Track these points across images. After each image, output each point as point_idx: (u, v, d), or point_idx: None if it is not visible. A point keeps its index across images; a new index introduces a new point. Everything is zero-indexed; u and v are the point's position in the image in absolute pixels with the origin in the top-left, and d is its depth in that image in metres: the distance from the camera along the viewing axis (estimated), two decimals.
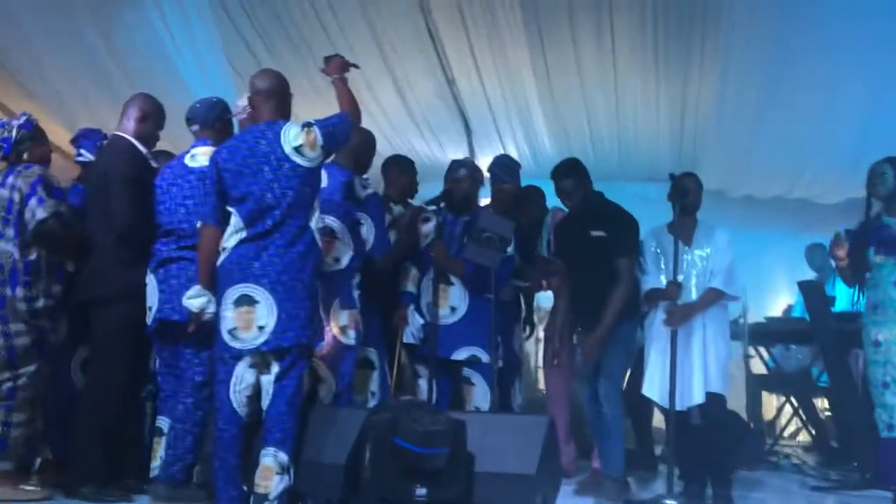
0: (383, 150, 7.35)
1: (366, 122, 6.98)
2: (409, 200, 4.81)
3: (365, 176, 4.20)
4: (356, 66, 3.70)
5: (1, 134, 3.82)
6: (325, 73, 3.66)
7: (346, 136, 3.51)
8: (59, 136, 7.19)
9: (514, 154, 7.43)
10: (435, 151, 7.62)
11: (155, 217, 3.78)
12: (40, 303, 3.70)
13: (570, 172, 4.37)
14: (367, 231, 3.98)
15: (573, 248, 4.37)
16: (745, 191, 7.15)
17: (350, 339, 3.85)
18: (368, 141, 4.26)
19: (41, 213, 3.65)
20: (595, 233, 4.22)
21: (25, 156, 3.84)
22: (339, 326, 3.82)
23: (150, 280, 3.70)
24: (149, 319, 3.68)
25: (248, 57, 6.27)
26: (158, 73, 6.12)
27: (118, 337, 3.70)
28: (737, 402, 6.08)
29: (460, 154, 7.52)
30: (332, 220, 3.86)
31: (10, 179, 3.75)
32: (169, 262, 3.68)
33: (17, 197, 3.70)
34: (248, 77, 6.08)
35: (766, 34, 5.30)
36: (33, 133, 3.90)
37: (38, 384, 3.70)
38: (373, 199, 4.06)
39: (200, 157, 3.73)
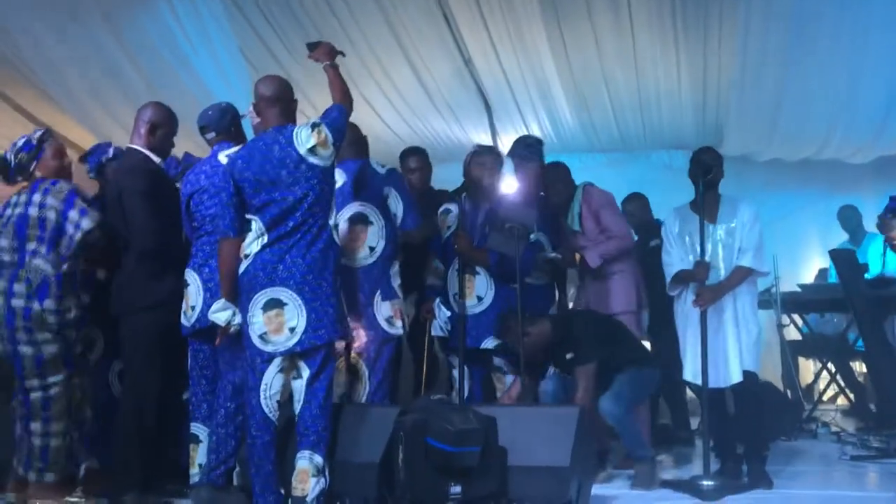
0: (403, 134, 7.40)
1: (384, 106, 7.09)
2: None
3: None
4: (342, 54, 3.73)
5: (9, 155, 3.88)
6: (314, 60, 3.67)
7: (346, 128, 3.56)
8: (85, 139, 7.28)
9: (535, 130, 7.39)
10: (456, 132, 7.57)
11: (179, 223, 3.80)
12: (71, 314, 3.75)
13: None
14: (395, 203, 3.97)
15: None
16: (772, 154, 7.02)
17: (398, 328, 3.90)
18: (354, 128, 4.18)
19: (87, 224, 3.70)
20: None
21: (38, 173, 3.89)
22: (384, 318, 3.86)
23: (194, 279, 3.69)
24: (191, 319, 3.68)
25: (262, 51, 6.24)
26: (175, 72, 6.11)
27: (147, 347, 3.72)
28: (772, 372, 6.05)
29: (482, 133, 7.51)
30: (362, 207, 3.89)
31: (38, 197, 3.77)
32: (213, 260, 3.65)
33: (51, 215, 3.73)
34: (263, 71, 6.18)
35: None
36: (35, 152, 3.90)
37: (70, 394, 3.76)
38: (392, 172, 4.08)
39: None
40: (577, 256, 4.74)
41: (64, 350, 3.74)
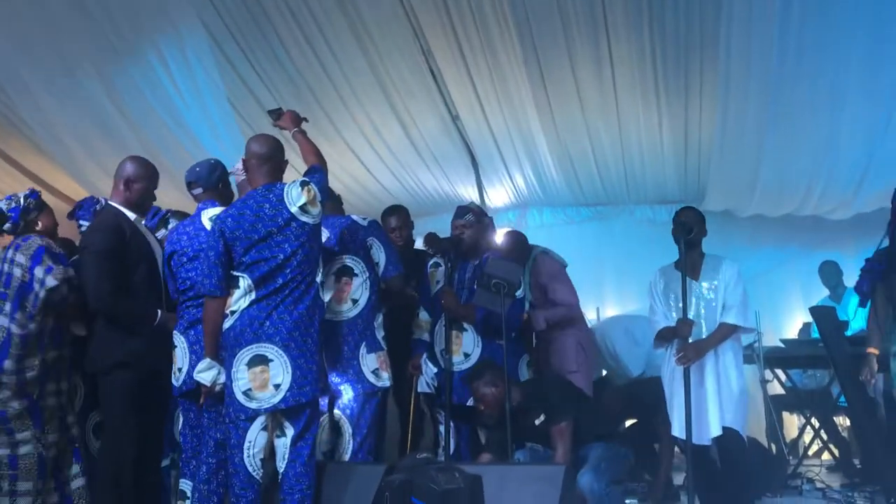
0: (392, 187, 7.48)
1: (372, 160, 7.18)
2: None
3: None
4: (306, 120, 3.89)
5: (9, 205, 3.88)
6: (280, 128, 3.77)
7: (327, 186, 3.69)
8: (72, 189, 7.31)
9: (521, 184, 7.51)
10: (443, 185, 7.67)
11: (151, 282, 3.74)
12: (33, 373, 3.68)
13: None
14: (377, 252, 4.00)
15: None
16: (754, 210, 7.13)
17: (384, 380, 3.88)
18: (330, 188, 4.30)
19: (51, 281, 3.66)
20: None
21: (38, 226, 3.92)
22: (370, 371, 3.85)
23: (180, 341, 3.67)
24: (178, 381, 3.66)
25: (251, 103, 6.34)
26: (165, 124, 6.19)
27: (119, 406, 3.63)
28: (757, 427, 6.05)
29: (469, 187, 7.61)
30: (348, 259, 3.92)
31: (10, 253, 3.77)
32: (199, 323, 3.63)
33: (17, 272, 3.71)
34: (253, 123, 6.27)
35: (765, 56, 5.29)
36: (39, 203, 3.97)
37: (41, 454, 3.67)
38: (374, 223, 4.12)
39: None
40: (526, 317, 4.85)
41: (30, 406, 3.68)
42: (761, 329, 5.72)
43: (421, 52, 5.86)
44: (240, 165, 3.81)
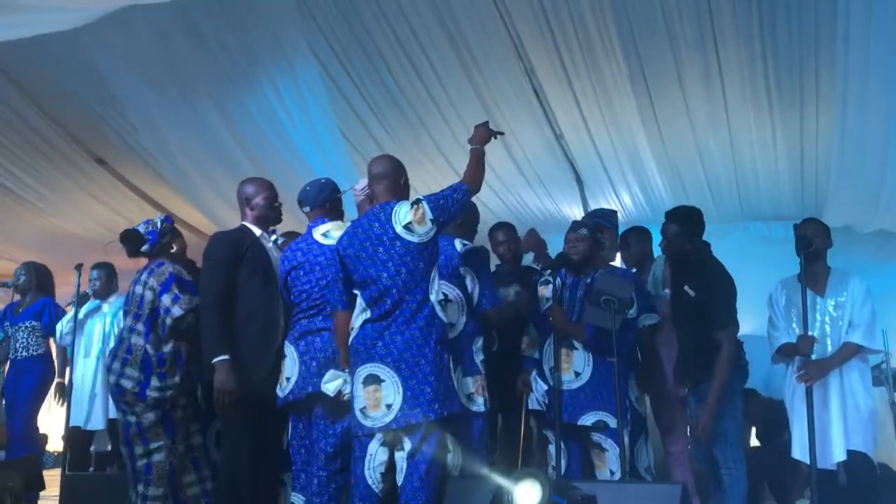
0: (495, 207, 7.49)
1: None
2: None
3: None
4: (501, 133, 3.81)
5: (147, 228, 4.13)
6: (469, 142, 3.71)
7: (459, 206, 3.56)
8: (191, 215, 7.68)
9: (627, 202, 7.39)
10: (547, 205, 7.63)
11: (265, 292, 3.88)
12: (170, 392, 3.91)
13: (673, 218, 4.30)
14: (472, 284, 3.95)
15: (673, 302, 4.31)
16: (877, 225, 6.77)
17: (479, 405, 3.84)
18: (471, 210, 4.29)
19: (177, 311, 3.89)
20: (687, 288, 4.14)
21: (174, 248, 4.15)
22: (465, 395, 3.82)
23: (290, 351, 3.78)
24: (285, 391, 3.76)
25: (360, 130, 6.50)
26: (276, 149, 6.44)
27: (232, 414, 3.79)
28: (887, 454, 5.71)
29: (573, 206, 7.54)
30: (443, 285, 3.90)
31: (144, 276, 4.04)
32: (310, 334, 3.76)
33: (149, 295, 3.96)
34: (363, 150, 6.43)
35: (888, 57, 5.05)
36: (173, 227, 4.21)
37: (172, 463, 3.89)
38: (472, 252, 4.03)
39: (334, 232, 3.84)
40: None
41: (163, 417, 3.89)
42: (889, 350, 5.42)
43: (524, 72, 5.87)
44: (360, 185, 3.91)
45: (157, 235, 4.10)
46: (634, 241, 5.05)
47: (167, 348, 3.93)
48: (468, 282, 3.95)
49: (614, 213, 5.31)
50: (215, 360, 3.69)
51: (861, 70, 5.14)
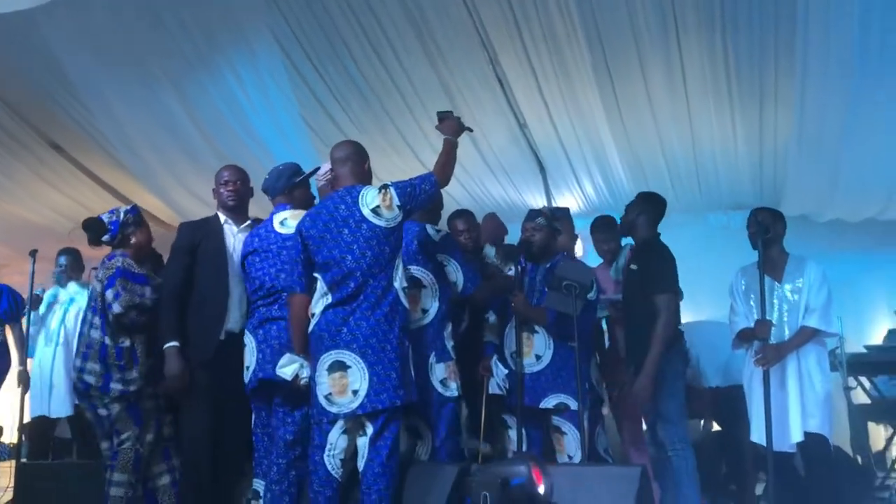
0: (458, 195, 7.49)
1: None
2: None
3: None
4: (470, 130, 3.81)
5: (110, 218, 4.07)
6: (439, 131, 3.74)
7: (428, 196, 3.57)
8: (151, 204, 7.57)
9: (590, 191, 7.44)
10: (511, 194, 7.66)
11: (216, 277, 3.90)
12: (133, 387, 3.87)
13: (641, 203, 4.41)
14: (454, 271, 4.01)
15: (624, 285, 4.40)
16: (833, 215, 6.91)
17: (452, 390, 3.90)
18: (440, 198, 4.30)
19: (117, 308, 3.85)
20: (633, 266, 4.25)
21: (133, 240, 4.08)
22: (438, 381, 3.87)
23: (249, 340, 3.77)
24: (246, 378, 3.75)
25: (323, 117, 6.46)
26: (237, 134, 6.36)
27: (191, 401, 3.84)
28: (841, 437, 5.83)
29: (536, 195, 7.57)
30: (415, 269, 3.93)
31: (98, 269, 4.03)
32: (269, 322, 3.75)
33: (99, 288, 3.94)
34: (324, 137, 6.38)
35: (845, 55, 5.13)
36: (138, 218, 4.14)
37: (138, 451, 3.85)
38: (449, 238, 4.11)
39: (290, 220, 3.82)
40: None
41: (129, 408, 3.86)
42: (844, 335, 5.53)
43: (488, 61, 5.88)
44: (324, 169, 3.89)
45: (118, 226, 4.05)
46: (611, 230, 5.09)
47: (124, 343, 3.89)
48: (450, 270, 4.00)
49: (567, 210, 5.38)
50: (165, 346, 3.76)
51: (820, 65, 5.23)
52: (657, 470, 4.22)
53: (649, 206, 4.39)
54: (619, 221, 4.77)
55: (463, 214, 4.98)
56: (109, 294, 3.85)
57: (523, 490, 3.15)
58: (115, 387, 3.82)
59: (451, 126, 3.70)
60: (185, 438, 3.90)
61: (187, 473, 3.86)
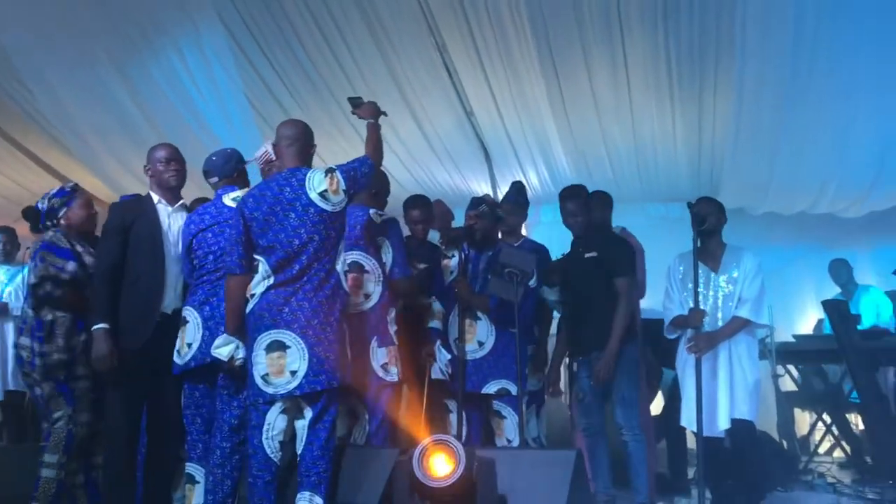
0: (405, 181, 7.52)
1: (387, 155, 7.09)
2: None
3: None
4: (385, 114, 3.84)
5: (43, 205, 4.05)
6: (358, 116, 3.77)
7: (367, 179, 3.60)
8: (92, 184, 7.40)
9: (533, 180, 7.54)
10: (456, 181, 7.72)
11: (149, 257, 3.83)
12: (54, 357, 3.82)
13: (572, 195, 4.46)
14: (386, 253, 4.01)
15: (572, 273, 4.45)
16: (767, 208, 7.14)
17: (392, 376, 3.91)
18: (383, 181, 4.34)
19: (31, 279, 3.88)
20: (588, 254, 4.32)
21: (63, 221, 4.02)
22: (379, 365, 3.88)
23: (193, 317, 3.71)
24: (185, 357, 3.68)
25: (269, 99, 6.41)
26: (181, 116, 6.27)
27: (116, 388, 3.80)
28: (768, 422, 6.07)
29: (482, 182, 7.64)
30: (358, 255, 3.93)
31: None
32: (216, 298, 3.68)
33: (30, 264, 3.96)
34: (270, 119, 6.33)
35: (780, 55, 5.32)
36: (66, 198, 4.06)
37: (71, 430, 3.79)
38: (391, 222, 4.09)
39: None
40: None
41: (59, 388, 3.82)
42: (774, 324, 5.73)
43: (436, 48, 5.91)
44: (260, 153, 3.86)
45: (45, 212, 4.03)
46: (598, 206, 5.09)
47: (46, 317, 3.86)
48: (384, 251, 3.99)
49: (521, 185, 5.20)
50: (93, 328, 3.70)
51: (757, 64, 5.40)
52: (591, 450, 4.31)
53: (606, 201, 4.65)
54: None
55: (420, 205, 4.79)
56: (30, 265, 3.91)
57: None
58: (38, 361, 3.79)
59: (369, 109, 3.77)
60: (106, 427, 3.84)
61: (106, 465, 3.80)
